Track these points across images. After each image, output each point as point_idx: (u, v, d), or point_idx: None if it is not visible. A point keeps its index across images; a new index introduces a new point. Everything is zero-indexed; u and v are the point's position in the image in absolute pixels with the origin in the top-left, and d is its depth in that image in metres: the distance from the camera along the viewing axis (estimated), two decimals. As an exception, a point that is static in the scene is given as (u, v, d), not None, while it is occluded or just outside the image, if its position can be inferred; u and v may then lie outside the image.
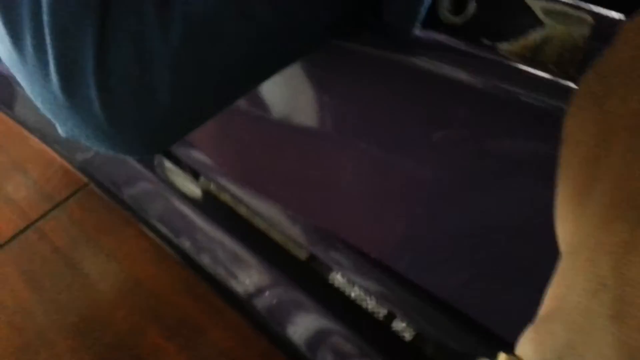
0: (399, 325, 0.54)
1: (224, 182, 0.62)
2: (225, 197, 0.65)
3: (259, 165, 0.55)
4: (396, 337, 0.53)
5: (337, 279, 0.55)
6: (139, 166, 0.78)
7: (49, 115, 0.35)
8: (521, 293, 0.37)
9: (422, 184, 0.45)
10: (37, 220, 0.89)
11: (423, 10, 0.36)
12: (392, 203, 0.47)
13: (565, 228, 0.22)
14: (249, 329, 0.61)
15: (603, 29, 0.31)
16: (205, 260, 0.65)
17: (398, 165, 0.45)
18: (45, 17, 0.30)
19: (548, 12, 0.34)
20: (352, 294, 0.54)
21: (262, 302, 0.60)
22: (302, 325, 0.58)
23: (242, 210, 0.61)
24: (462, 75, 0.34)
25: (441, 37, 0.36)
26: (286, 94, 0.49)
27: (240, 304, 0.61)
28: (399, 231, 0.49)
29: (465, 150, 0.39)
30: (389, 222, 0.49)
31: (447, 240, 0.45)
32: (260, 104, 0.51)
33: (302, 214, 0.53)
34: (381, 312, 0.54)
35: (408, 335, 0.54)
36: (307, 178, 0.52)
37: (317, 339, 0.57)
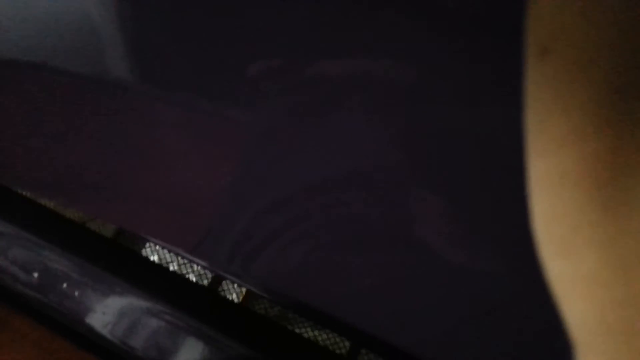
0: (227, 288, 0.51)
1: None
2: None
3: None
4: (226, 301, 0.50)
5: (153, 251, 0.50)
6: None
7: None
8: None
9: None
10: None
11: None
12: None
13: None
14: (44, 337, 0.50)
15: None
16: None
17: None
18: None
19: None
20: (171, 266, 0.49)
21: (58, 298, 0.50)
22: (114, 314, 0.50)
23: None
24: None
25: None
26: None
27: (31, 307, 0.50)
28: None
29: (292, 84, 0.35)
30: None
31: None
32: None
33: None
34: (206, 278, 0.50)
35: (236, 297, 0.51)
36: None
37: (134, 324, 0.50)
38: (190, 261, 0.49)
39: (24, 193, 0.53)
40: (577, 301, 0.14)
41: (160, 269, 0.51)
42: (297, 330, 0.53)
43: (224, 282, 0.51)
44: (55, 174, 0.45)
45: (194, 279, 0.51)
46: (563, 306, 0.14)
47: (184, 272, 0.51)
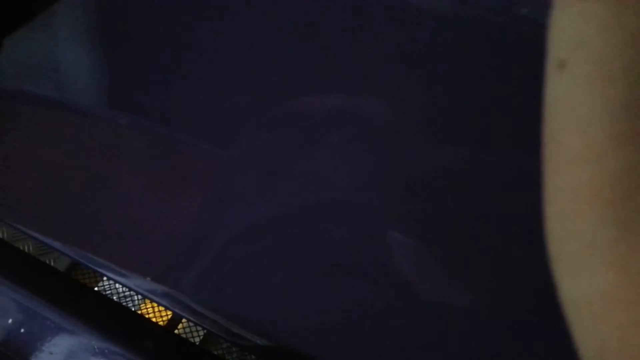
0: (185, 329, 0.49)
1: None
2: None
3: None
4: (184, 341, 0.48)
5: (109, 286, 0.47)
6: None
7: None
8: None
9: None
10: None
11: None
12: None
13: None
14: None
15: None
16: None
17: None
18: None
19: None
20: (128, 301, 0.46)
21: (2, 335, 0.46)
22: (63, 354, 0.47)
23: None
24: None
25: None
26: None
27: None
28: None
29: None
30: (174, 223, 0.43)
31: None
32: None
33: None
34: (165, 316, 0.47)
35: (197, 338, 0.49)
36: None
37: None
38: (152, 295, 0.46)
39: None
40: (595, 323, 0.13)
41: (115, 305, 0.48)
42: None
43: (181, 324, 0.49)
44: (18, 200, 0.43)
45: (152, 317, 0.48)
46: (577, 327, 0.14)
47: (142, 306, 0.49)
